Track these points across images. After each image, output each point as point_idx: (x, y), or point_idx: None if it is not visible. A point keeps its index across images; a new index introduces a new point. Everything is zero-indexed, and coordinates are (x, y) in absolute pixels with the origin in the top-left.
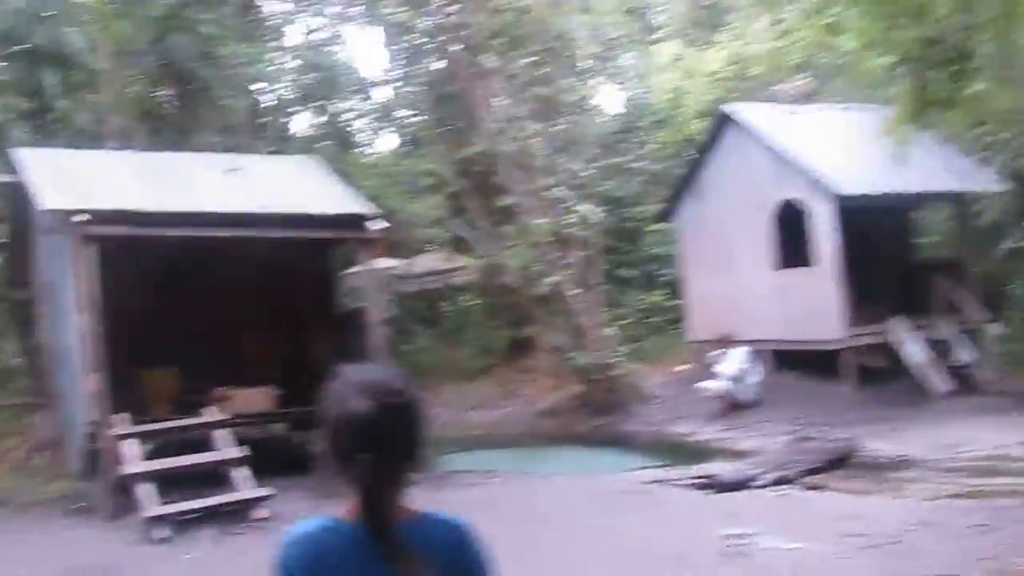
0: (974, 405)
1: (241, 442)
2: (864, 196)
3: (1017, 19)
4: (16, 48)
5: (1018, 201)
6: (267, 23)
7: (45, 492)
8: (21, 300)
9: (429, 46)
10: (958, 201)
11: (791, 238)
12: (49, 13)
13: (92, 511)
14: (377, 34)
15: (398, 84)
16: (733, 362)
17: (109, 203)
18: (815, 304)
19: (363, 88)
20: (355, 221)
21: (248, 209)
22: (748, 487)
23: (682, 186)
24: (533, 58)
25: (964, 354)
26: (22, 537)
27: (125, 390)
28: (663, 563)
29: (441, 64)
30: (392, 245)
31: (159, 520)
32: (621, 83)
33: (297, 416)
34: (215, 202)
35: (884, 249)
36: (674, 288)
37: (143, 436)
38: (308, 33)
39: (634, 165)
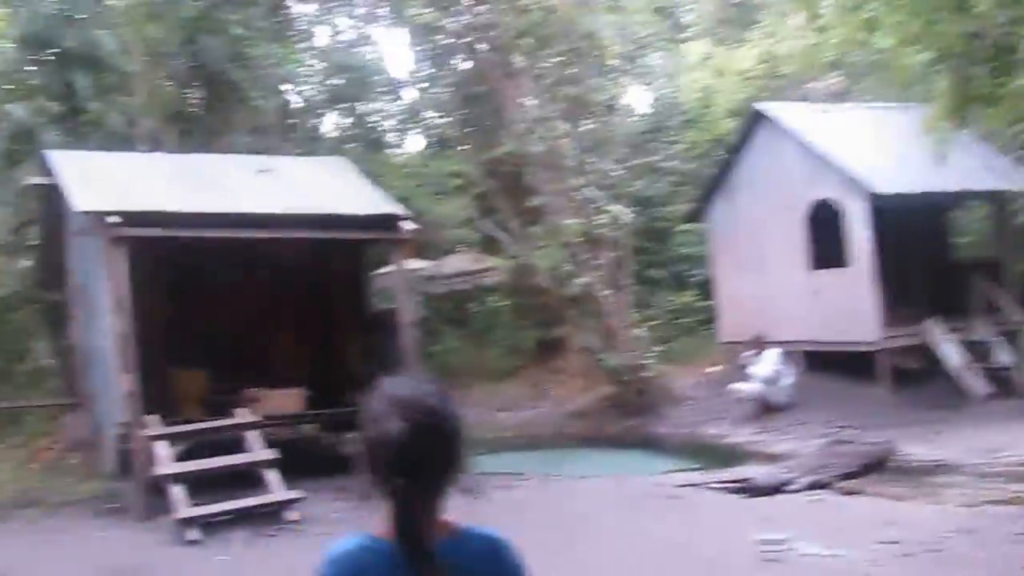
0: (1013, 408)
1: (271, 443)
2: (899, 195)
3: None
4: (48, 51)
5: None
6: (295, 24)
7: (77, 492)
8: (54, 301)
9: (457, 46)
10: (996, 200)
11: (824, 238)
12: (81, 16)
13: (124, 512)
14: (405, 35)
15: (426, 85)
16: (766, 363)
17: (141, 205)
18: (849, 305)
19: (391, 89)
20: (387, 222)
21: (279, 210)
22: (783, 491)
23: (713, 186)
24: (561, 58)
25: (1003, 356)
26: (54, 537)
27: (155, 391)
28: (699, 568)
29: (469, 64)
30: (421, 246)
31: (191, 521)
32: (650, 82)
33: (327, 417)
34: (247, 203)
35: (920, 249)
36: (704, 289)
37: (174, 437)
38: (336, 34)
39: (663, 165)
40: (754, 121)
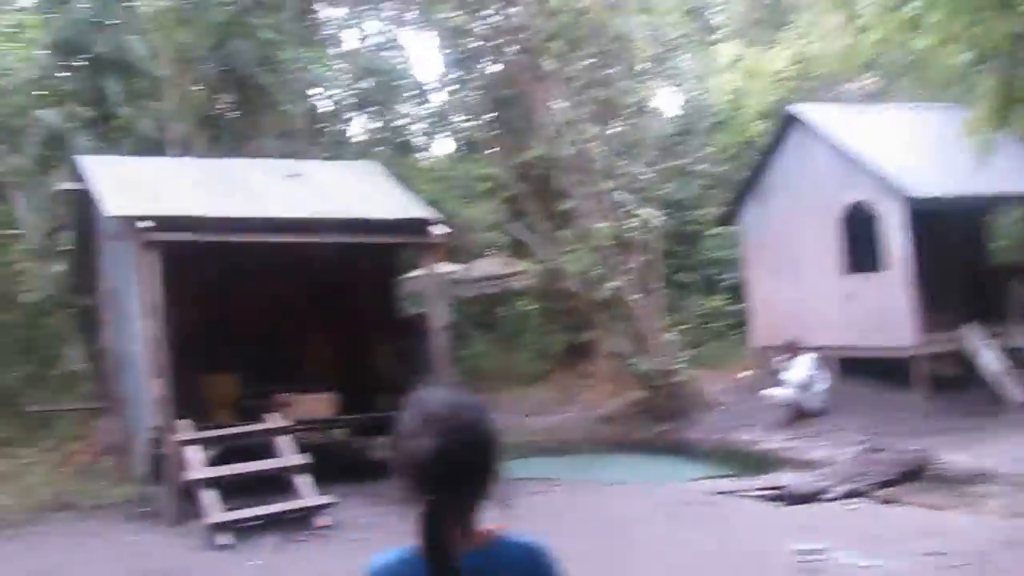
0: None
1: (302, 448)
2: (937, 199)
3: None
4: (80, 57)
5: None
6: (324, 28)
7: (110, 496)
8: (86, 306)
9: (486, 49)
10: None
11: (859, 241)
12: (112, 22)
13: (156, 516)
14: (433, 38)
15: (454, 88)
16: (799, 369)
17: (172, 209)
18: (885, 310)
19: (420, 92)
20: (417, 226)
21: (310, 214)
22: (819, 500)
23: (745, 188)
24: (592, 60)
25: None
26: (87, 541)
27: (187, 395)
28: None
29: (498, 67)
30: (449, 250)
31: (222, 526)
32: (680, 84)
33: (358, 422)
34: (277, 208)
35: (956, 252)
36: (735, 293)
37: (206, 442)
38: (364, 38)
39: (694, 168)
40: (787, 123)
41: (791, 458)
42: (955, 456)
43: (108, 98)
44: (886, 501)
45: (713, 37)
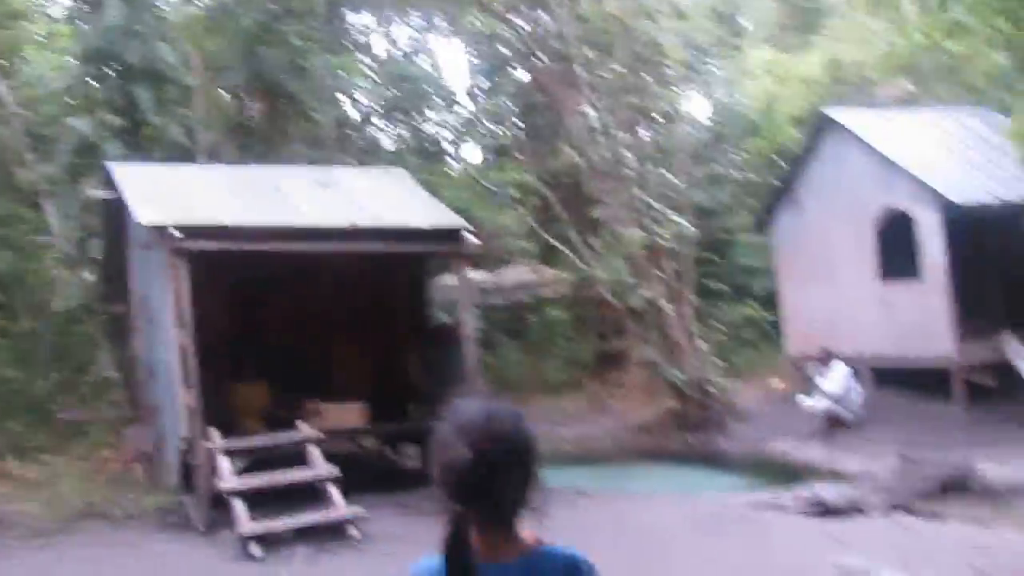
0: None
1: (331, 458)
2: (979, 206)
3: None
4: (111, 66)
5: None
6: (352, 35)
7: (141, 505)
8: (116, 314)
9: (516, 56)
10: None
11: (895, 248)
12: (142, 30)
13: (187, 525)
14: (462, 45)
15: (484, 95)
16: (835, 378)
17: (202, 218)
18: (922, 318)
19: (449, 99)
20: (450, 234)
21: (341, 222)
22: (858, 513)
23: (778, 195)
24: (622, 66)
25: None
26: (118, 550)
27: (217, 404)
28: None
29: (527, 74)
30: (479, 257)
31: (253, 537)
32: (711, 90)
33: (388, 431)
34: (308, 216)
35: (995, 260)
36: (767, 301)
37: (236, 451)
38: (392, 45)
39: (726, 174)
40: (821, 127)
41: (827, 469)
42: (995, 469)
43: (139, 106)
44: (927, 515)
45: (744, 42)
